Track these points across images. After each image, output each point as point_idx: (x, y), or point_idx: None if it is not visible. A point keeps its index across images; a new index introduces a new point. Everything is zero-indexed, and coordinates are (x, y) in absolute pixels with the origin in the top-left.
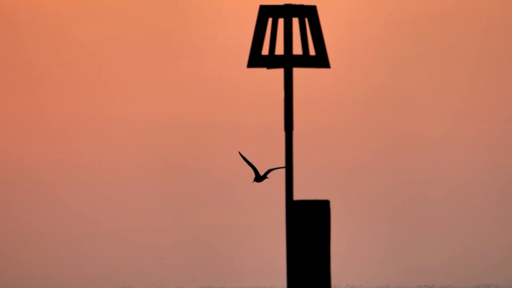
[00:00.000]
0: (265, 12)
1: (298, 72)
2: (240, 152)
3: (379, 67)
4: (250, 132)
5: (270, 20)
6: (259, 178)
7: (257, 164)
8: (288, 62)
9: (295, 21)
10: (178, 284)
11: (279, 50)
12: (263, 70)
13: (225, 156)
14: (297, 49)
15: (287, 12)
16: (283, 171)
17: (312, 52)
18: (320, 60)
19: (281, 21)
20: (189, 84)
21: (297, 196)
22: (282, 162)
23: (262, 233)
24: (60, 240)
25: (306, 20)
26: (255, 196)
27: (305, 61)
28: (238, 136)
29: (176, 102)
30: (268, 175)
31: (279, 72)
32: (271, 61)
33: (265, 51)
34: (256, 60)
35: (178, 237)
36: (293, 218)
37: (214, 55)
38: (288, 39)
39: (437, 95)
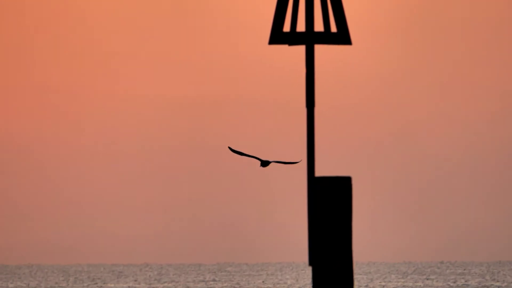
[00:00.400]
0: None
1: (320, 49)
2: (230, 147)
3: (400, 43)
4: (272, 109)
5: None
6: (264, 163)
7: (279, 139)
8: (309, 39)
9: None
10: (199, 260)
11: (301, 27)
12: (285, 47)
13: (248, 131)
14: (318, 26)
15: None
16: (301, 151)
17: (333, 29)
18: (342, 37)
19: None
20: (212, 60)
21: (319, 172)
22: (304, 138)
23: (284, 210)
24: (82, 214)
25: None
26: (277, 173)
27: (327, 38)
28: (260, 113)
29: (199, 78)
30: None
31: (301, 49)
32: (292, 38)
33: (286, 28)
34: (277, 37)
35: (199, 213)
36: (314, 195)
37: (237, 32)
38: (310, 15)
39: (459, 72)
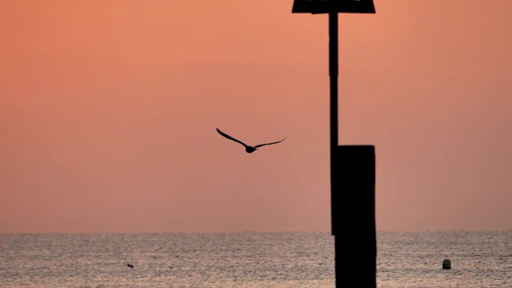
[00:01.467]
0: None
1: (343, 17)
2: (218, 129)
3: (423, 11)
4: (295, 77)
5: None
6: (249, 148)
7: (302, 108)
8: (333, 7)
9: None
10: (223, 230)
11: None
12: (308, 15)
13: (271, 99)
14: None
15: None
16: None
17: None
18: (365, 5)
19: None
20: (236, 28)
21: (342, 141)
22: (327, 107)
23: (306, 179)
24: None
25: None
26: (300, 141)
27: (350, 6)
28: (283, 80)
29: (223, 45)
30: (257, 148)
31: (324, 18)
32: (316, 6)
33: None
34: (301, 5)
35: (222, 182)
36: (337, 164)
37: (261, 0)
38: None
39: (482, 40)
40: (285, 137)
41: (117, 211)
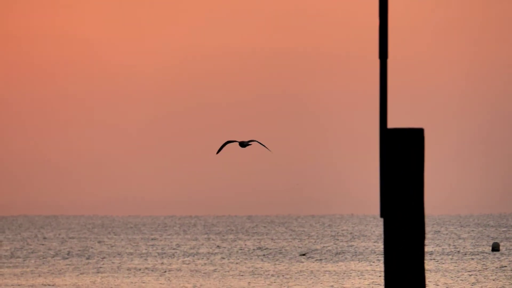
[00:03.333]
0: None
1: (394, 1)
2: (217, 152)
3: None
4: (345, 60)
5: None
6: (242, 143)
7: (351, 90)
8: None
9: None
10: (268, 212)
11: None
12: None
13: (320, 82)
14: None
15: None
16: None
17: None
18: None
19: None
20: (285, 12)
21: (391, 124)
22: (376, 89)
23: (355, 162)
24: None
25: None
26: (349, 124)
27: None
28: (333, 64)
29: (272, 29)
30: (251, 143)
31: (374, 1)
32: None
33: None
34: None
35: (267, 166)
36: (386, 146)
37: None
38: None
39: None
40: (271, 151)
41: (135, 195)
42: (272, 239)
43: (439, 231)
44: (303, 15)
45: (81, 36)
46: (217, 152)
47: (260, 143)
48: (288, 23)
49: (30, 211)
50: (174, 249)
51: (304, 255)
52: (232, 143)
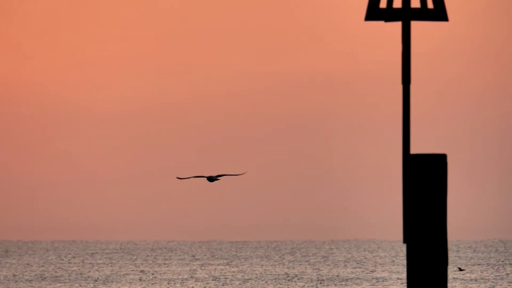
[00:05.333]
0: None
1: (416, 26)
2: (178, 177)
3: (497, 20)
4: (367, 85)
5: None
6: (210, 178)
7: (373, 115)
8: (406, 15)
9: None
10: (287, 237)
11: (397, 3)
12: (381, 23)
13: (342, 107)
14: (415, 2)
15: None
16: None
17: (430, 5)
18: (438, 13)
19: None
20: (309, 37)
21: (414, 150)
22: (399, 115)
23: (378, 187)
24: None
25: None
26: (371, 150)
27: (423, 14)
28: (355, 89)
29: (294, 53)
30: (219, 178)
31: (397, 26)
32: (389, 14)
33: (383, 4)
34: (374, 13)
35: (292, 192)
36: (409, 172)
37: (332, 9)
38: None
39: None
40: (246, 172)
41: (150, 219)
42: (292, 263)
43: (464, 257)
44: (325, 39)
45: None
46: (181, 178)
47: (228, 175)
48: (309, 46)
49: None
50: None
51: (461, 270)
52: (200, 178)
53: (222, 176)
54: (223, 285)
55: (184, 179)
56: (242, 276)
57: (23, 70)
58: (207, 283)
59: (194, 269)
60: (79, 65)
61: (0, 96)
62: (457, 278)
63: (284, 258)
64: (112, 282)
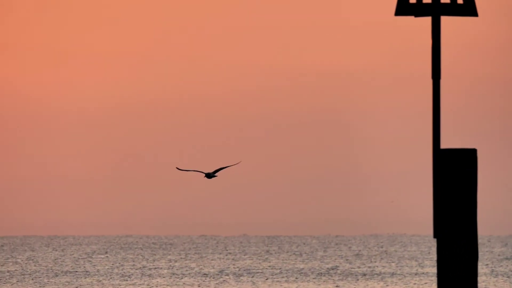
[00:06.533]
0: None
1: (446, 20)
2: (178, 167)
3: None
4: (397, 79)
5: None
6: (208, 175)
7: (404, 111)
8: (436, 11)
9: None
10: (310, 232)
11: None
12: (411, 18)
13: (372, 103)
14: None
15: None
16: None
17: (460, 0)
18: (468, 8)
19: None
20: (337, 31)
21: (444, 145)
22: (429, 110)
23: (408, 182)
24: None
25: None
26: (402, 144)
27: (453, 9)
28: (385, 83)
29: (324, 48)
30: (217, 174)
31: (427, 21)
32: (419, 9)
33: None
34: (404, 8)
35: (315, 182)
36: (440, 167)
37: (362, 3)
38: None
39: None
40: (240, 161)
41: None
42: (325, 258)
43: (494, 252)
44: (355, 33)
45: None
46: (180, 169)
47: (224, 167)
48: (339, 42)
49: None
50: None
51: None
52: (198, 173)
53: (219, 171)
54: (254, 278)
55: (183, 171)
56: (274, 270)
57: None
58: (240, 276)
59: (227, 263)
60: (52, 64)
61: None
62: (487, 273)
63: (317, 253)
64: (144, 276)
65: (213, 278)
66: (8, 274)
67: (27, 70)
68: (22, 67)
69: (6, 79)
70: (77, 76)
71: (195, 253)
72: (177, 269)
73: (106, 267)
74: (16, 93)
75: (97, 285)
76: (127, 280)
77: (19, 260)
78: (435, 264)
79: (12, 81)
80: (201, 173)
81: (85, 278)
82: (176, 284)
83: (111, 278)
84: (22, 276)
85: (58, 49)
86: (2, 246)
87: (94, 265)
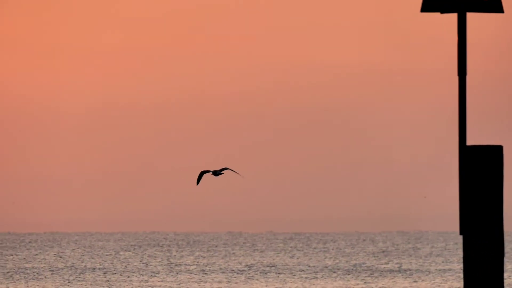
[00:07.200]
0: None
1: (472, 17)
2: (199, 178)
3: None
4: (423, 77)
5: None
6: (214, 172)
7: (429, 107)
8: (462, 7)
9: None
10: (336, 229)
11: None
12: (437, 14)
13: (398, 99)
14: None
15: None
16: None
17: None
18: (494, 5)
19: None
20: (364, 28)
21: (471, 141)
22: (455, 106)
23: (435, 179)
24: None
25: None
26: (428, 141)
27: (479, 6)
28: (410, 80)
29: (350, 45)
30: (223, 172)
31: (453, 17)
32: (445, 6)
33: None
34: (430, 4)
35: (350, 179)
36: (466, 163)
37: (388, 0)
38: None
39: None
40: (243, 177)
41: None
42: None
43: None
44: (379, 31)
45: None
46: (198, 183)
47: (232, 170)
48: (364, 39)
49: None
50: None
51: None
52: (207, 173)
53: (226, 170)
54: (281, 275)
55: (200, 180)
56: (301, 267)
57: None
58: (267, 273)
59: (254, 260)
60: (52, 64)
61: None
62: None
63: (344, 250)
64: (170, 272)
65: (241, 274)
66: (36, 270)
67: (27, 71)
68: (22, 68)
69: (5, 80)
70: (78, 76)
71: (222, 249)
72: (204, 266)
73: (134, 263)
74: (16, 93)
75: (126, 281)
76: (155, 277)
77: (47, 257)
78: (462, 261)
79: (13, 81)
80: (209, 172)
81: (113, 274)
82: (204, 281)
83: (139, 274)
84: (50, 272)
85: (57, 49)
86: (30, 242)
87: (122, 262)
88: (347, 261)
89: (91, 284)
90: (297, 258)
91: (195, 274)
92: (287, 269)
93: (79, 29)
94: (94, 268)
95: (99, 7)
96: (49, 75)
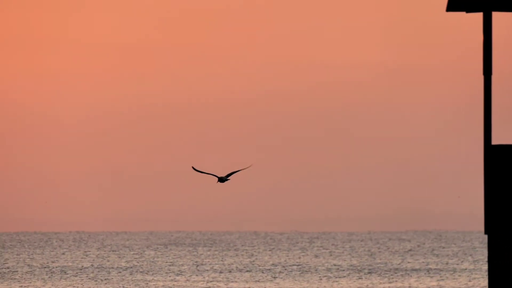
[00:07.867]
0: None
1: (497, 16)
2: (194, 167)
3: None
4: (448, 76)
5: None
6: (221, 179)
7: (454, 106)
8: (487, 6)
9: None
10: (356, 228)
11: None
12: (462, 14)
13: (422, 98)
14: None
15: None
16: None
17: None
18: None
19: None
20: (390, 28)
21: (496, 141)
22: (480, 106)
23: (459, 177)
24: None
25: None
26: (453, 141)
27: (505, 5)
28: (435, 79)
29: (373, 44)
30: (229, 177)
31: (478, 16)
32: (470, 5)
33: None
34: (455, 4)
35: (365, 179)
36: (491, 162)
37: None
38: None
39: None
40: (251, 165)
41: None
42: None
43: None
44: (405, 30)
45: None
46: (196, 170)
47: (236, 171)
48: (388, 38)
49: None
50: None
51: None
52: (212, 176)
53: (232, 175)
54: (306, 274)
55: (198, 172)
56: (327, 266)
57: None
58: (291, 272)
59: (279, 259)
60: (52, 64)
61: None
62: None
63: (366, 249)
64: (196, 272)
65: (266, 273)
66: (61, 269)
67: (27, 71)
68: (22, 68)
69: (5, 80)
70: (79, 76)
71: (248, 249)
72: (230, 265)
73: (159, 263)
74: (17, 93)
75: (152, 281)
76: (182, 275)
77: (73, 256)
78: (486, 260)
79: (13, 81)
80: (214, 176)
81: (139, 274)
82: (230, 280)
83: (166, 274)
84: (76, 272)
85: (57, 49)
86: (56, 241)
87: (148, 261)
88: (372, 260)
89: (117, 283)
90: (323, 258)
91: (220, 273)
92: (312, 268)
93: (79, 29)
94: (120, 268)
95: (99, 7)
96: (49, 75)
